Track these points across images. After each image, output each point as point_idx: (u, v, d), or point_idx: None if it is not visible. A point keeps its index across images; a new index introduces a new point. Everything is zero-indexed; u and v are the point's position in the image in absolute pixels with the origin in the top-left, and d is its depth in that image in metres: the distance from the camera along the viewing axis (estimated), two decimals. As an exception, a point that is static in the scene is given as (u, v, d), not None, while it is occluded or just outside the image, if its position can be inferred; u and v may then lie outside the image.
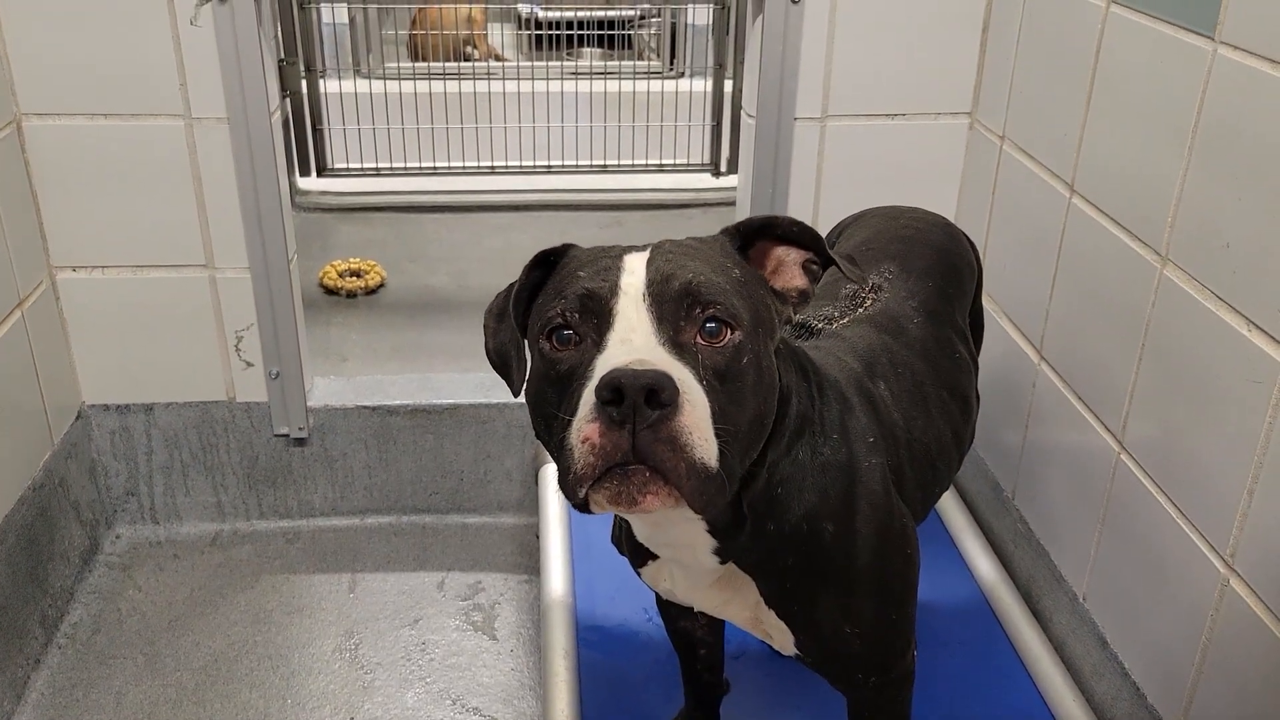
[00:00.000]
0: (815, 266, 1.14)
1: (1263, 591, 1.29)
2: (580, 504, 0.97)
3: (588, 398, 0.94)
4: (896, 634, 1.24)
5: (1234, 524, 1.33)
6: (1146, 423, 1.53)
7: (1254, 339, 1.28)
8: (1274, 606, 1.27)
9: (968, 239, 1.64)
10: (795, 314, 1.14)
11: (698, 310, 1.00)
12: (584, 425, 0.93)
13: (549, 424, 1.02)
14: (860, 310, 1.42)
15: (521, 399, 1.10)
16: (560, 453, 0.97)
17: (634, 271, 1.02)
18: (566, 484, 0.96)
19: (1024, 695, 1.70)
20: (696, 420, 0.94)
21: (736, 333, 1.01)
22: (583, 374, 0.97)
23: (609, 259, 1.05)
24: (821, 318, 1.40)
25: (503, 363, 1.15)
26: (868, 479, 1.19)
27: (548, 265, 1.11)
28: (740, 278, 1.07)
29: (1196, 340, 1.40)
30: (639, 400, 0.90)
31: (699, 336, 1.00)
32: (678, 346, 0.98)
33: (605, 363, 0.96)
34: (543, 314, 1.04)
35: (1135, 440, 1.56)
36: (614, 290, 1.01)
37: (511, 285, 1.14)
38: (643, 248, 1.07)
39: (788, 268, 1.14)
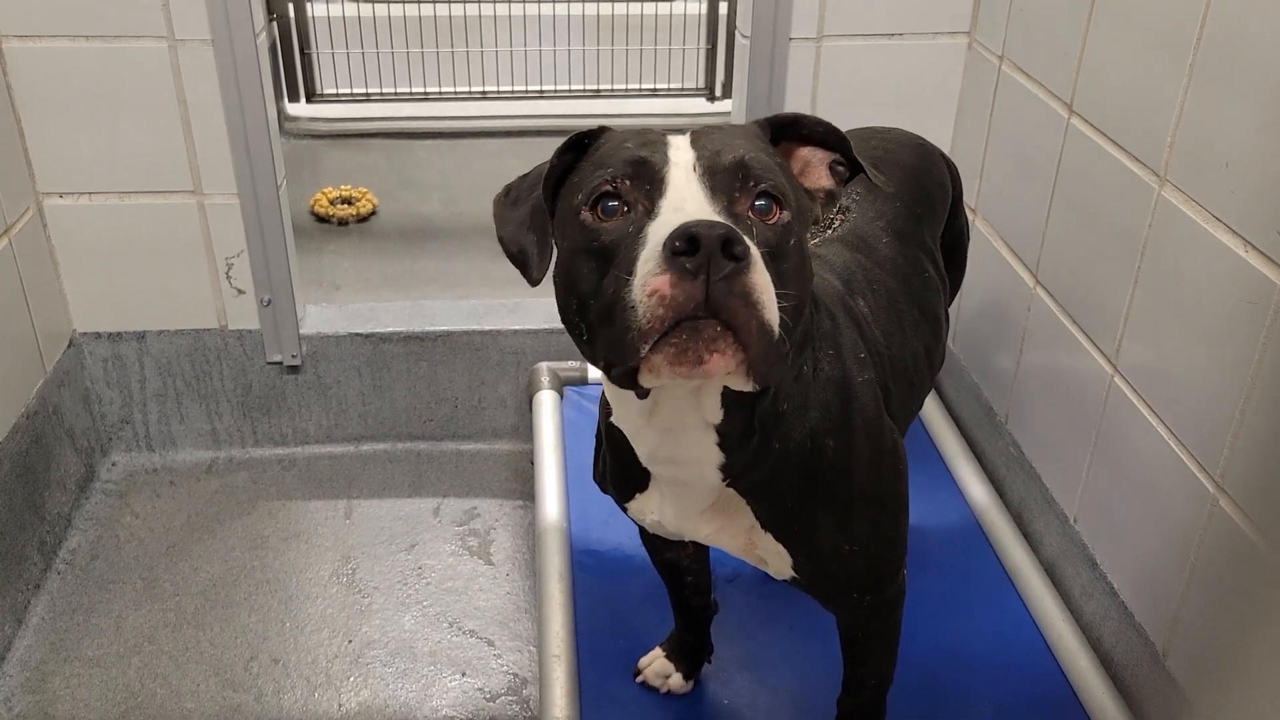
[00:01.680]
0: (841, 168, 1.12)
1: (1251, 511, 1.29)
2: (632, 371, 0.92)
3: (650, 254, 0.89)
4: (892, 551, 1.25)
5: (1225, 445, 1.33)
6: (1140, 345, 1.53)
7: (1251, 260, 1.28)
8: (1262, 526, 1.28)
9: (945, 159, 1.62)
10: (823, 214, 1.13)
11: (751, 184, 0.98)
12: (651, 278, 0.88)
13: (583, 303, 0.98)
14: (829, 231, 1.42)
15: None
16: (607, 322, 0.93)
17: (680, 148, 1.00)
18: (624, 345, 0.90)
19: (1014, 615, 1.72)
20: (766, 281, 0.91)
21: (785, 212, 0.99)
22: (633, 241, 0.93)
23: (654, 134, 1.03)
24: None
25: (520, 249, 1.09)
26: (861, 395, 1.19)
27: (581, 149, 1.08)
28: (781, 164, 1.06)
29: (1193, 262, 1.39)
30: (715, 250, 0.86)
31: (751, 211, 0.98)
32: (733, 217, 0.96)
33: (660, 228, 0.92)
34: (585, 185, 1.00)
35: (1129, 363, 1.56)
36: (665, 160, 0.98)
37: (527, 173, 1.12)
38: (678, 131, 1.04)
39: (814, 168, 1.12)
